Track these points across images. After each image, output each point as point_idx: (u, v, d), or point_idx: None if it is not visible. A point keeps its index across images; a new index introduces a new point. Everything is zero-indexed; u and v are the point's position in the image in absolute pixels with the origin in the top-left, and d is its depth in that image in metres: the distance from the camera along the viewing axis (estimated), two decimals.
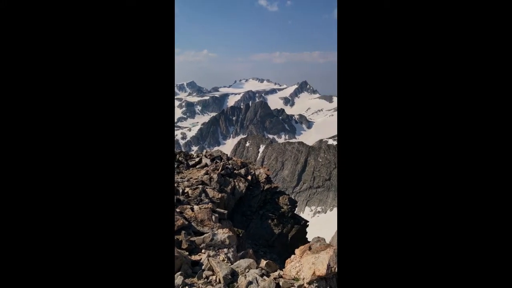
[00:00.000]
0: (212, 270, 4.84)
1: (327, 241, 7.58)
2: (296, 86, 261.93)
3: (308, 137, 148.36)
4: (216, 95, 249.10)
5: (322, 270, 4.52)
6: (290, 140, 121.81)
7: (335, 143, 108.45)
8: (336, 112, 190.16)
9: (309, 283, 4.52)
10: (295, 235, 9.77)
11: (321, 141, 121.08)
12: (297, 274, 4.88)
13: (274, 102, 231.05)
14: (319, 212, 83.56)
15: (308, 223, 10.59)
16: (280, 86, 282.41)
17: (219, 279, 4.62)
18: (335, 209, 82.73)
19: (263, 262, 5.22)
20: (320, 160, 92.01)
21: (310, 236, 8.92)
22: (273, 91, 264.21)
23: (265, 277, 4.78)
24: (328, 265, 4.58)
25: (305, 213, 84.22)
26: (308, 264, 4.80)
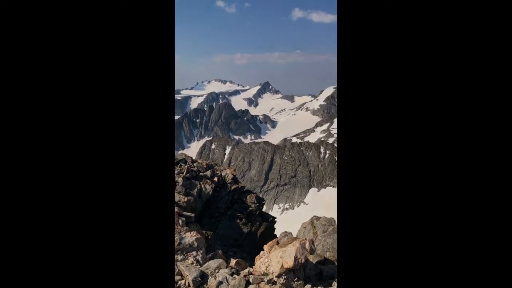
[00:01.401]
0: (181, 275, 4.75)
1: (294, 235, 7.85)
2: (259, 87, 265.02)
3: (273, 137, 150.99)
4: (178, 98, 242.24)
5: (289, 263, 4.68)
6: (256, 140, 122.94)
7: (298, 141, 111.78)
8: (298, 111, 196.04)
9: (278, 276, 4.64)
10: (264, 232, 9.93)
11: (285, 139, 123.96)
12: (266, 269, 4.98)
13: (238, 103, 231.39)
14: (287, 208, 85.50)
15: (276, 220, 10.82)
16: (243, 87, 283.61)
17: (188, 283, 4.55)
18: (302, 205, 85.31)
19: (232, 261, 5.25)
20: (286, 158, 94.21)
21: (279, 232, 9.14)
22: (236, 92, 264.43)
23: (235, 275, 4.81)
24: (295, 257, 4.75)
25: (274, 211, 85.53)
26: (276, 258, 4.93)
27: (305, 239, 5.21)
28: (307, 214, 79.85)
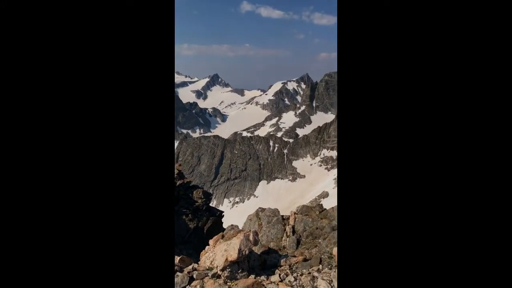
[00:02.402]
0: None
1: (241, 228, 7.96)
2: (207, 79, 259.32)
3: (223, 130, 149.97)
4: None
5: (234, 255, 4.72)
6: (205, 134, 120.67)
7: (249, 134, 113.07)
8: (248, 105, 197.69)
9: (222, 269, 4.66)
10: (211, 227, 9.86)
11: (236, 133, 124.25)
12: (211, 263, 4.96)
13: (186, 95, 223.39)
14: (237, 202, 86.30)
15: (223, 214, 10.82)
16: (191, 79, 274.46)
17: None
18: (252, 198, 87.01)
19: (176, 259, 5.10)
20: (236, 152, 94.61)
21: (227, 226, 9.15)
22: (184, 84, 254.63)
23: (178, 273, 4.69)
24: (239, 249, 4.82)
25: (224, 205, 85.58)
26: (220, 252, 4.93)
27: (249, 231, 5.31)
28: (257, 206, 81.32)
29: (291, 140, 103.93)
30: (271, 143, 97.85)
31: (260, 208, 7.28)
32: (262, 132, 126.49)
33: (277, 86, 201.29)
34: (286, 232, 6.15)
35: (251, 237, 5.20)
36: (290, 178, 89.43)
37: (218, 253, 4.97)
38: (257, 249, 5.96)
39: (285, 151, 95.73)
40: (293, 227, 6.22)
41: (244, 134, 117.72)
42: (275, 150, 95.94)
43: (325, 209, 6.53)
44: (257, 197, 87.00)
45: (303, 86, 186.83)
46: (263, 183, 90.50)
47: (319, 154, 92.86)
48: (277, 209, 6.92)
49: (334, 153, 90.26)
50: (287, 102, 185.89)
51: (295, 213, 6.57)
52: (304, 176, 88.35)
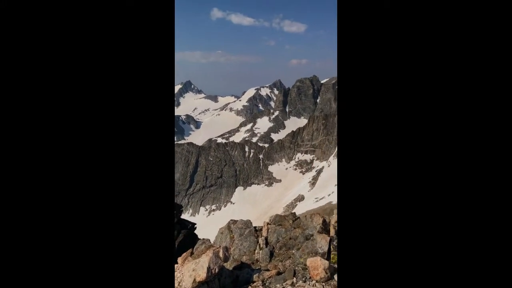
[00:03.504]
0: None
1: (212, 241, 7.60)
2: (180, 86, 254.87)
3: (197, 137, 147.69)
4: None
5: (202, 275, 4.40)
6: (179, 142, 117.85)
7: (224, 141, 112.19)
8: (222, 111, 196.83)
9: None
10: (183, 241, 9.36)
11: (210, 140, 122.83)
12: (179, 284, 4.59)
13: None
14: (213, 210, 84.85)
15: (195, 226, 10.36)
16: None
17: None
18: (229, 204, 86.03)
19: None
20: (211, 159, 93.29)
21: (202, 237, 8.71)
22: None
23: None
24: (208, 268, 4.51)
25: (200, 213, 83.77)
26: (188, 271, 4.59)
27: (219, 247, 5.01)
28: (234, 213, 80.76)
29: (266, 145, 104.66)
30: (246, 149, 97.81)
31: (231, 220, 6.99)
32: (237, 138, 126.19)
33: (250, 92, 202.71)
34: (259, 244, 5.92)
35: (221, 254, 4.90)
36: (267, 183, 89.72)
37: (186, 273, 4.62)
38: (229, 264, 5.67)
39: (261, 156, 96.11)
40: (266, 238, 6.00)
41: (219, 140, 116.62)
42: (250, 156, 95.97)
43: (298, 217, 6.40)
44: (234, 203, 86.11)
45: (276, 92, 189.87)
46: (239, 189, 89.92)
47: (293, 158, 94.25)
48: (249, 220, 6.67)
49: (308, 157, 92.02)
50: (261, 107, 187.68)
51: (268, 224, 6.36)
52: (280, 181, 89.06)
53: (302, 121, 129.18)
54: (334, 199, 55.29)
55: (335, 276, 4.45)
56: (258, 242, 6.05)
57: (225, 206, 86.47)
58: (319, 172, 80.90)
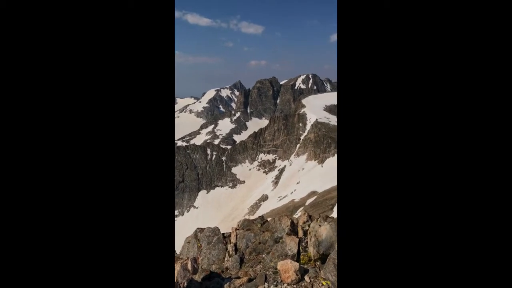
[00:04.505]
0: None
1: (182, 245, 7.24)
2: None
3: None
4: None
5: None
6: None
7: (185, 144, 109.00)
8: (182, 114, 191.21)
9: None
10: None
11: None
12: None
13: None
14: (176, 216, 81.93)
15: None
16: None
17: None
18: (192, 209, 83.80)
19: None
20: None
21: None
22: None
23: None
24: (176, 283, 4.27)
25: None
26: None
27: (187, 258, 4.79)
28: (198, 218, 78.90)
29: (228, 147, 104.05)
30: (208, 151, 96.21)
31: (198, 228, 6.75)
32: (198, 140, 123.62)
33: (210, 94, 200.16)
34: (229, 252, 5.78)
35: (189, 266, 4.68)
36: (230, 185, 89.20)
37: None
38: (198, 276, 5.44)
39: (224, 158, 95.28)
40: (235, 244, 5.88)
41: (179, 143, 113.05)
42: (213, 158, 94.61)
43: (267, 220, 6.39)
44: (197, 208, 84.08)
45: (237, 93, 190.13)
46: (202, 193, 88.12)
47: (256, 158, 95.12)
48: (217, 227, 6.49)
49: (270, 157, 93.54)
50: (222, 109, 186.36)
51: (236, 229, 6.25)
52: (244, 182, 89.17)
53: (264, 122, 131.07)
54: (296, 196, 56.99)
55: (306, 277, 4.50)
56: (227, 249, 5.90)
57: (188, 211, 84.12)
58: (281, 171, 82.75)
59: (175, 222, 78.78)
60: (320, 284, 4.18)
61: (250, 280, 4.96)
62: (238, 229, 6.25)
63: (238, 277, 5.13)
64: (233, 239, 6.04)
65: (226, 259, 5.73)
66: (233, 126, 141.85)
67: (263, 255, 5.47)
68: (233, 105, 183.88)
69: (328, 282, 4.11)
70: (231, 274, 5.36)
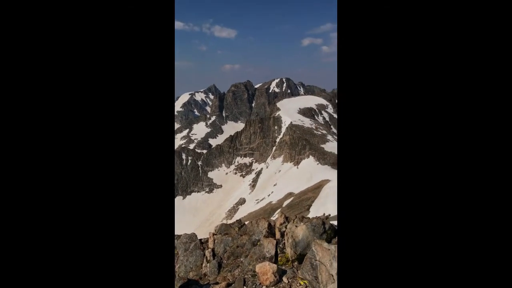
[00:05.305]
0: None
1: None
2: None
3: None
4: None
5: None
6: None
7: None
8: None
9: None
10: None
11: None
12: None
13: None
14: None
15: None
16: None
17: None
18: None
19: None
20: None
21: None
22: None
23: None
24: None
25: None
26: None
27: None
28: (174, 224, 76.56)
29: (204, 151, 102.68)
30: (183, 156, 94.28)
31: (176, 235, 6.60)
32: None
33: (185, 97, 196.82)
34: (206, 257, 5.70)
35: None
36: (207, 190, 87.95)
37: None
38: (175, 284, 5.32)
39: (199, 163, 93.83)
40: (213, 250, 5.82)
41: None
42: (188, 163, 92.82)
43: (244, 224, 6.40)
44: None
45: (212, 96, 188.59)
46: (178, 199, 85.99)
47: (233, 162, 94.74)
48: (194, 233, 6.38)
49: (247, 160, 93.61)
50: (196, 113, 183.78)
51: (214, 234, 6.19)
52: (221, 186, 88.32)
53: (239, 125, 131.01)
54: (273, 199, 57.42)
55: (284, 278, 4.57)
56: (204, 255, 5.82)
57: None
58: (258, 174, 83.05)
59: None
60: (298, 284, 4.26)
61: (228, 285, 4.93)
62: (216, 234, 6.19)
63: (217, 283, 5.08)
64: (210, 245, 5.98)
65: (204, 265, 5.66)
66: (208, 130, 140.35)
67: (241, 259, 5.47)
68: (208, 108, 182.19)
69: (306, 282, 4.20)
70: (209, 280, 5.30)
